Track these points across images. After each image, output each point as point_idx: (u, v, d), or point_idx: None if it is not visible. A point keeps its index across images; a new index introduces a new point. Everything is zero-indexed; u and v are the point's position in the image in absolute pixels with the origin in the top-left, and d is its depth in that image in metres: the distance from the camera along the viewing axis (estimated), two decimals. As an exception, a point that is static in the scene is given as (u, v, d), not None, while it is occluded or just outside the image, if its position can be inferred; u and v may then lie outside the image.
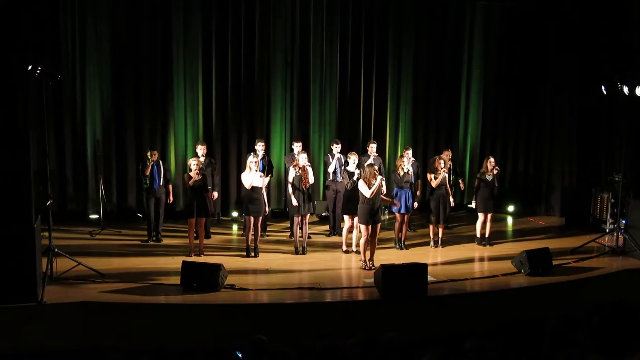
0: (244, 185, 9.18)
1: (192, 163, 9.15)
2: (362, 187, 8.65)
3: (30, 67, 7.23)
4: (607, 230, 10.53)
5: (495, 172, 9.96)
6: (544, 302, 7.76)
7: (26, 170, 7.03)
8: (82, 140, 11.23)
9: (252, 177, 9.05)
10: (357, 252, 9.28)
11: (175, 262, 8.44)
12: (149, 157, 9.70)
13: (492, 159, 10.09)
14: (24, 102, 7.08)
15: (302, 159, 9.41)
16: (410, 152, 10.35)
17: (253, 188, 9.05)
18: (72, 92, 11.06)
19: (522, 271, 8.48)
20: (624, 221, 9.86)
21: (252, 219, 9.13)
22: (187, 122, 11.60)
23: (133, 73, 11.24)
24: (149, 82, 11.34)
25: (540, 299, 7.90)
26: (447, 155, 10.81)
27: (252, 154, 9.52)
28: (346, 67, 12.14)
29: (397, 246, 9.91)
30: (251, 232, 9.20)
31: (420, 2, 12.28)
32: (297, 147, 10.15)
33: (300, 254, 9.44)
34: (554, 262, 8.73)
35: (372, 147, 10.41)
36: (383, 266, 7.58)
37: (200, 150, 9.96)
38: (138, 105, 11.37)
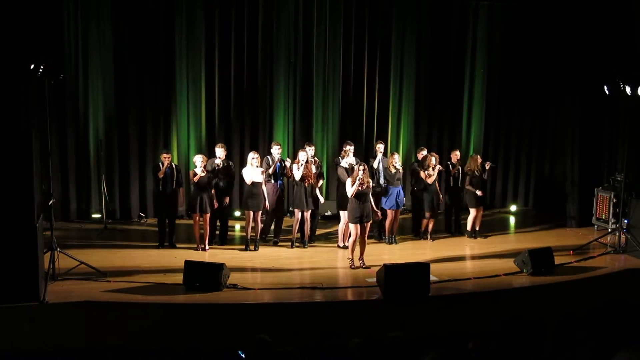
0: (244, 181, 9.43)
1: (198, 160, 9.19)
2: (348, 186, 8.68)
3: (32, 66, 7.22)
4: (610, 230, 10.51)
5: (487, 166, 10.45)
6: (547, 301, 7.76)
7: (29, 169, 7.02)
8: (85, 139, 11.19)
9: (253, 172, 9.31)
10: (345, 246, 9.29)
11: (177, 262, 8.42)
12: (162, 161, 9.49)
13: (478, 157, 10.51)
14: (26, 101, 7.07)
15: (301, 156, 9.47)
16: (425, 152, 10.52)
17: (253, 183, 9.33)
18: (75, 91, 11.03)
19: (525, 271, 8.48)
20: (626, 221, 9.86)
21: (251, 213, 9.40)
22: (189, 121, 11.55)
23: (135, 72, 11.21)
24: (152, 81, 11.29)
25: (542, 298, 7.91)
26: (455, 156, 10.71)
27: (269, 154, 9.80)
28: (349, 66, 12.10)
29: (387, 241, 10.07)
30: (251, 226, 9.46)
31: (423, 2, 12.26)
32: (309, 150, 9.87)
33: (299, 247, 9.67)
34: (556, 262, 8.73)
35: (380, 147, 10.18)
36: (386, 266, 7.57)
37: (220, 152, 9.74)
38: (141, 105, 11.32)
